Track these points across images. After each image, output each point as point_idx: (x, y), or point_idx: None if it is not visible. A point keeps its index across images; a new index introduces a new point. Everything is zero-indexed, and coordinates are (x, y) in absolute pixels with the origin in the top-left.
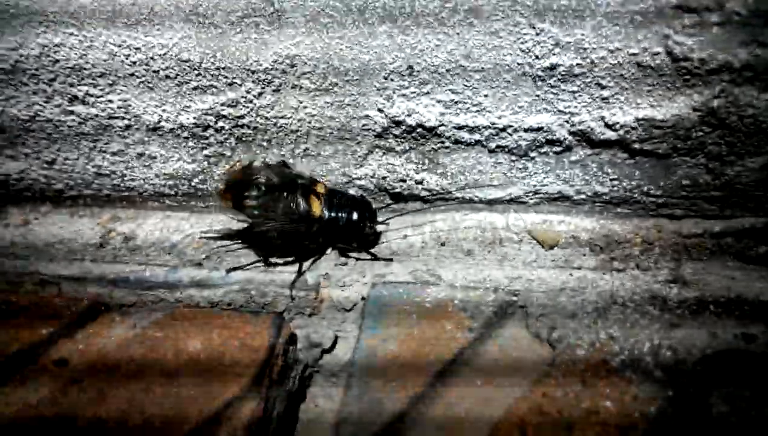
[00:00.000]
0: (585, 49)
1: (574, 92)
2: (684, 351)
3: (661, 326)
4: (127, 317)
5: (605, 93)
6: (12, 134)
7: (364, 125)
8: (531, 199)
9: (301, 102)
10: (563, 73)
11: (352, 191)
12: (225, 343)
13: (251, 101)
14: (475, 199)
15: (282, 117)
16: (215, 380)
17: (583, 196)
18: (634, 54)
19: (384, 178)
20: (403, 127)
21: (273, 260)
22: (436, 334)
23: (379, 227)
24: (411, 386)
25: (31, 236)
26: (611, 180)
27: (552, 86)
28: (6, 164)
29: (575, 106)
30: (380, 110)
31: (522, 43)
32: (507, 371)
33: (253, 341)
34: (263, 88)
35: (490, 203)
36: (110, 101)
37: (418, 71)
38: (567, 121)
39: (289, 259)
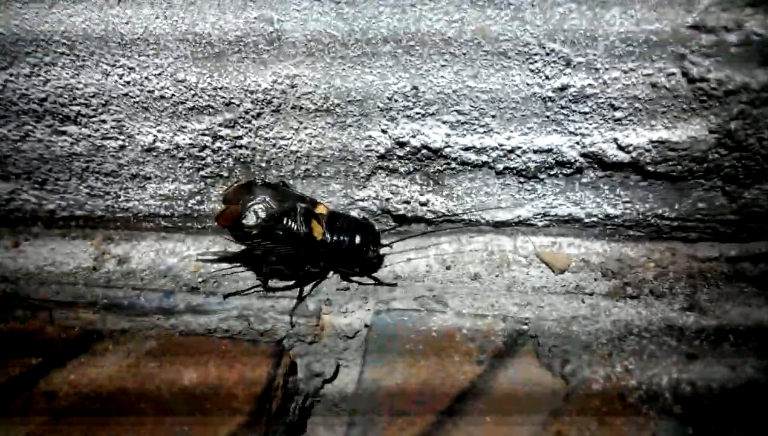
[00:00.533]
0: (597, 69)
1: (585, 113)
2: (703, 385)
3: (679, 358)
4: (120, 345)
5: (618, 114)
6: (2, 154)
7: (366, 146)
8: (540, 221)
9: (301, 123)
10: (574, 94)
11: (354, 213)
12: (222, 375)
13: (249, 122)
14: (482, 221)
15: (282, 138)
16: (212, 415)
17: (594, 219)
18: (648, 75)
19: (387, 199)
20: (408, 149)
21: (272, 284)
22: (443, 366)
23: (383, 250)
24: (418, 422)
25: (21, 258)
26: (624, 202)
27: (562, 107)
28: None
29: (587, 128)
30: (384, 131)
31: (531, 63)
32: (518, 407)
33: (251, 372)
34: (262, 108)
35: (498, 226)
36: (103, 121)
37: (423, 92)
38: (578, 143)
39: (289, 283)
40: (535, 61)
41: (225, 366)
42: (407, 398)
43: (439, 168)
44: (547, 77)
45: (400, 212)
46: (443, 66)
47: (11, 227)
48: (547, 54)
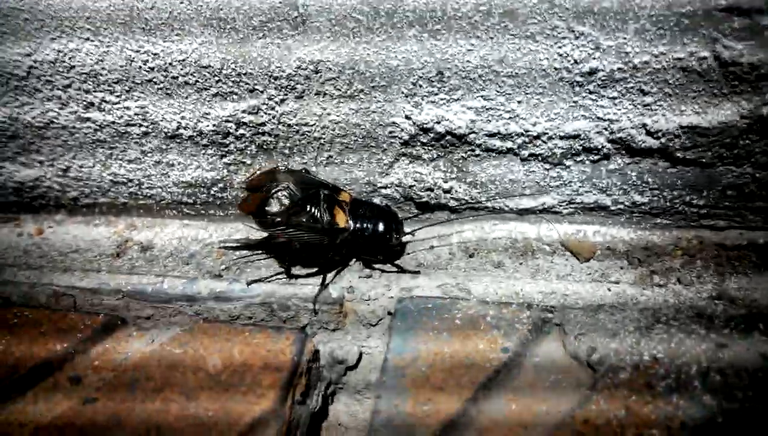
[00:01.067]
0: (627, 53)
1: (614, 98)
2: (734, 375)
3: (708, 347)
4: (144, 331)
5: (648, 99)
6: (26, 141)
7: (390, 132)
8: (565, 209)
9: (324, 109)
10: (603, 78)
11: (376, 200)
12: (246, 361)
13: (273, 108)
14: (506, 209)
15: (305, 124)
16: (236, 401)
17: (620, 206)
18: (679, 58)
19: (410, 187)
20: (432, 135)
21: (295, 271)
22: (467, 354)
23: (405, 238)
24: (444, 410)
25: (45, 245)
26: (651, 189)
27: (591, 92)
28: (20, 172)
29: (615, 113)
30: (408, 117)
31: (560, 47)
32: (544, 395)
33: (275, 358)
34: (286, 94)
35: (522, 213)
36: (127, 108)
37: (448, 77)
38: (606, 129)
39: (312, 271)
40: (564, 45)
41: (249, 352)
42: (432, 385)
43: (463, 155)
44: (575, 61)
45: (423, 200)
46: (469, 50)
47: (35, 214)
48: (576, 37)
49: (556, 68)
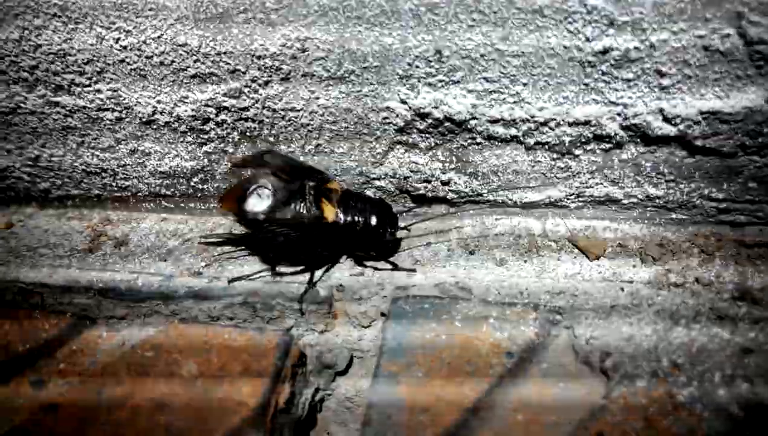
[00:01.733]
0: (644, 30)
1: (629, 80)
2: (763, 383)
3: (732, 352)
4: (115, 332)
5: (665, 81)
6: None
7: (384, 118)
8: (573, 202)
9: (313, 92)
10: (617, 58)
11: (369, 193)
12: (225, 366)
13: (256, 91)
14: (509, 202)
15: (291, 109)
16: (213, 410)
17: (633, 200)
18: (700, 36)
19: (406, 178)
20: (429, 121)
21: (280, 269)
22: (469, 359)
23: (400, 233)
24: (442, 422)
25: (13, 239)
26: (667, 181)
27: (603, 73)
28: None
29: (629, 97)
30: (403, 101)
31: (570, 23)
32: (553, 405)
33: (257, 363)
34: (270, 76)
35: (526, 207)
36: (99, 91)
37: (447, 56)
38: (619, 114)
39: (299, 268)
40: (575, 21)
41: (228, 356)
42: (430, 394)
43: (464, 143)
44: (587, 39)
45: (420, 192)
46: (470, 26)
47: (3, 207)
48: (589, 12)
49: (565, 47)
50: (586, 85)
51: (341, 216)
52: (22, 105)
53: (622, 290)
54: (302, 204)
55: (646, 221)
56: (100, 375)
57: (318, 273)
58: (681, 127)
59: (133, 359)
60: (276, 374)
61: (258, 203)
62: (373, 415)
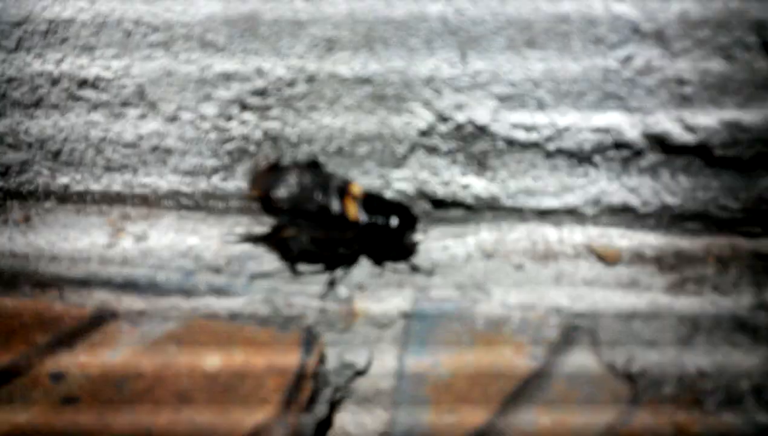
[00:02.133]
0: (668, 38)
1: (650, 88)
2: None
3: (759, 359)
4: (136, 326)
5: (687, 90)
6: (14, 121)
7: (407, 121)
8: (590, 209)
9: (337, 93)
10: (640, 66)
11: (388, 195)
12: (248, 362)
13: (281, 90)
14: (526, 208)
15: (315, 109)
16: (237, 406)
17: (650, 209)
18: (723, 45)
19: (425, 181)
20: (451, 124)
21: (300, 268)
22: (492, 361)
23: (418, 236)
24: (469, 422)
25: (32, 233)
26: (684, 191)
27: (625, 81)
28: (6, 154)
29: (651, 105)
30: (426, 104)
31: (594, 28)
32: (579, 408)
33: (281, 360)
34: (295, 75)
35: (543, 213)
36: (123, 86)
37: (472, 59)
38: (640, 122)
39: (319, 266)
40: (599, 26)
41: (252, 352)
42: (455, 395)
43: (484, 147)
44: (611, 45)
45: (439, 196)
46: (497, 28)
47: (22, 201)
48: (614, 19)
49: (589, 53)
50: (608, 92)
51: (363, 216)
52: (45, 98)
53: (641, 296)
54: (326, 200)
55: (661, 230)
56: (121, 368)
57: (338, 273)
58: (701, 136)
59: (155, 353)
60: (300, 372)
61: (284, 194)
62: (398, 417)
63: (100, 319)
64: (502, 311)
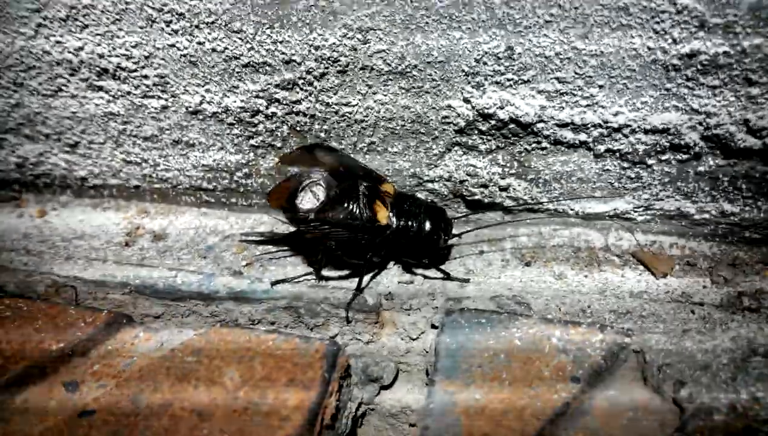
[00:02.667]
0: (736, 33)
1: (714, 87)
2: None
3: None
4: (152, 332)
5: (754, 91)
6: (31, 111)
7: (444, 118)
8: (640, 215)
9: (370, 87)
10: (705, 62)
11: (420, 195)
12: (269, 375)
13: (311, 83)
14: (570, 211)
15: (346, 104)
16: (256, 423)
17: (706, 216)
18: None
19: (462, 181)
20: (492, 122)
21: (326, 272)
22: (530, 382)
23: (452, 240)
24: None
25: (47, 229)
26: (744, 198)
27: (688, 79)
28: (23, 146)
29: (713, 105)
30: (466, 100)
31: (657, 23)
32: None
33: (303, 374)
34: (327, 68)
35: (588, 218)
36: (145, 77)
37: (519, 53)
38: (701, 123)
39: (345, 273)
40: (662, 20)
41: (273, 365)
42: (489, 418)
43: (527, 147)
44: (674, 41)
45: (476, 197)
46: (548, 22)
47: (37, 194)
48: (678, 12)
49: (649, 48)
50: (668, 90)
51: (394, 220)
52: (64, 88)
53: (693, 312)
54: (355, 205)
55: (717, 239)
56: (137, 379)
57: (365, 279)
58: (767, 140)
59: (173, 364)
60: (323, 387)
61: (310, 201)
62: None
63: (116, 325)
64: (543, 327)
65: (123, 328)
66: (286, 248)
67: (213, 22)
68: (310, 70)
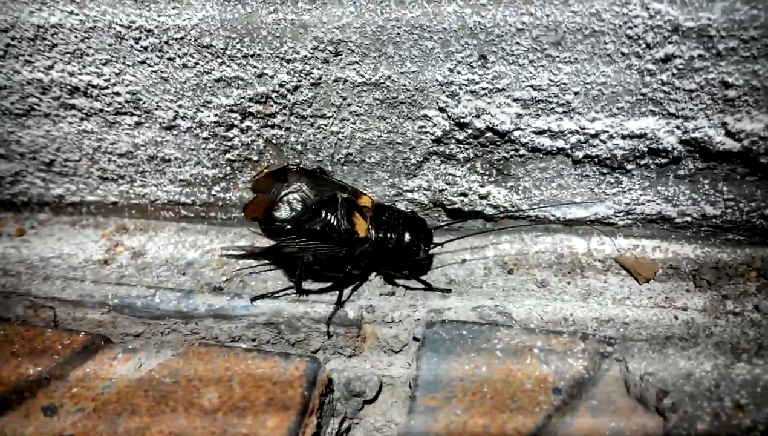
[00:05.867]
0: (711, 37)
1: (691, 91)
2: None
3: None
4: (131, 354)
5: (731, 93)
6: (4, 130)
7: (420, 127)
8: (622, 220)
9: (344, 98)
10: (680, 66)
11: (401, 206)
12: (248, 396)
13: (284, 97)
14: (552, 218)
15: (321, 116)
16: None
17: (687, 219)
18: None
19: (441, 191)
20: (469, 131)
21: (306, 286)
22: (512, 395)
23: (433, 250)
24: None
25: (25, 248)
26: (725, 200)
27: (664, 83)
28: None
29: (690, 109)
30: (442, 110)
31: (630, 27)
32: None
33: (282, 393)
34: (300, 81)
35: (570, 224)
36: (117, 94)
37: (492, 62)
38: (678, 127)
39: (326, 286)
40: (635, 25)
41: (252, 384)
42: (470, 434)
43: (505, 155)
44: (648, 45)
45: (456, 206)
46: (520, 30)
47: (16, 213)
48: (651, 16)
49: (623, 53)
50: (644, 95)
51: (373, 232)
52: (36, 107)
53: (676, 318)
54: (333, 216)
55: (700, 242)
56: (115, 402)
57: (346, 292)
58: (746, 142)
59: (151, 386)
60: (303, 407)
61: (286, 212)
62: None
63: (95, 346)
64: (525, 337)
65: (101, 350)
66: (267, 261)
67: (182, 38)
68: (283, 83)
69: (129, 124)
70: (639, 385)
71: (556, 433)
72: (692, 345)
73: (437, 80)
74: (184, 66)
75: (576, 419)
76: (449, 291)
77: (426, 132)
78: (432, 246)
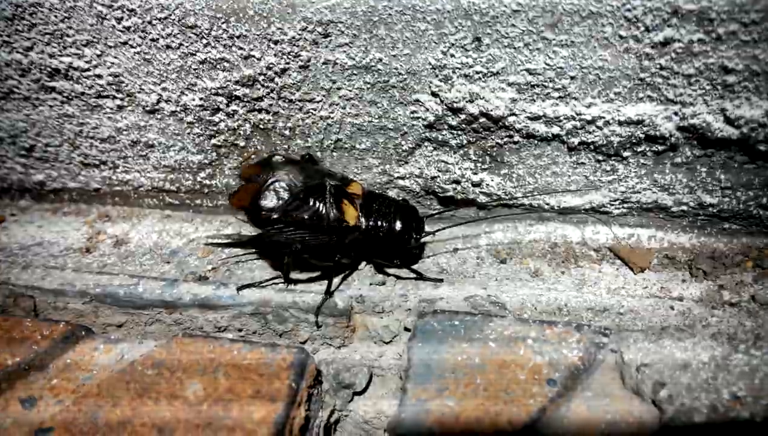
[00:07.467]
0: (711, 20)
1: (689, 76)
2: None
3: None
4: (112, 344)
5: (730, 78)
6: None
7: (412, 113)
8: (617, 208)
9: (334, 82)
10: (679, 50)
11: (392, 194)
12: (233, 388)
13: (272, 80)
14: (546, 206)
15: (310, 100)
16: None
17: (683, 208)
18: None
19: (433, 178)
20: (462, 117)
21: (294, 276)
22: (506, 387)
23: (425, 239)
24: None
25: (5, 236)
26: (723, 188)
27: (662, 68)
28: None
29: (689, 95)
30: (434, 94)
31: (628, 10)
32: None
33: (269, 385)
34: (288, 63)
35: (564, 212)
36: (98, 76)
37: (487, 44)
38: (676, 114)
39: (314, 275)
40: (634, 7)
41: (237, 376)
42: (464, 427)
43: (499, 141)
44: (646, 28)
45: (448, 194)
46: (515, 11)
47: None
48: None
49: (621, 36)
50: (642, 80)
51: (363, 219)
52: (15, 90)
53: (672, 308)
54: (322, 204)
55: (696, 231)
56: (96, 394)
57: (336, 282)
58: (744, 129)
59: (133, 377)
60: (290, 398)
61: (273, 200)
62: None
63: (75, 337)
64: (518, 327)
65: (82, 340)
66: (253, 250)
67: (166, 18)
68: (271, 65)
69: (111, 108)
70: (635, 376)
71: (551, 424)
72: (689, 336)
73: (430, 63)
74: (168, 47)
75: (570, 411)
76: (441, 280)
77: (418, 117)
78: (424, 235)
